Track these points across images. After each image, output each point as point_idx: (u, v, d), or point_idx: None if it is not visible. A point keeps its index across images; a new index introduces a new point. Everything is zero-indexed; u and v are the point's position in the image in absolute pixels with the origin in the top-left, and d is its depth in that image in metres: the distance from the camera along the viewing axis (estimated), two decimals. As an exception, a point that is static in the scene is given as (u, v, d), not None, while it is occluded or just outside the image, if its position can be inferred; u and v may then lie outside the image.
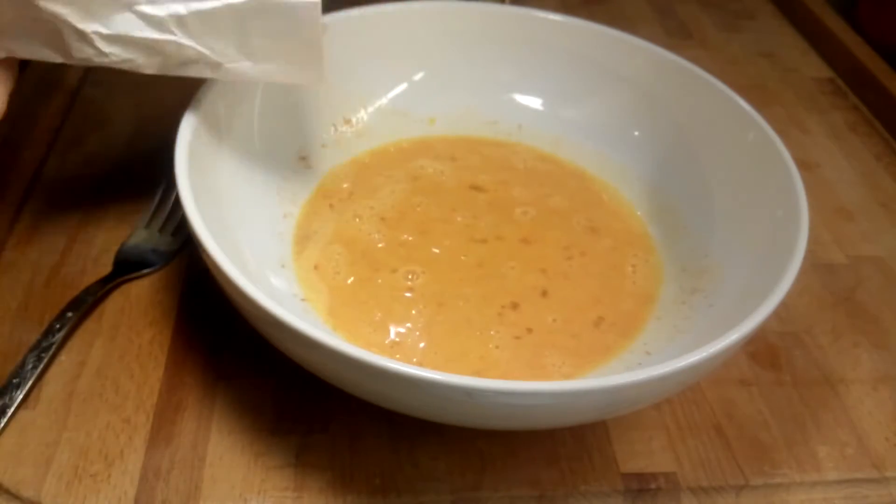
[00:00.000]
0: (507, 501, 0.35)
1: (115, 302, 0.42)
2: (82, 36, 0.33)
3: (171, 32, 0.34)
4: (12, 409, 0.36)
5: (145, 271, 0.43)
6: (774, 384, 0.41)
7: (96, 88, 0.55)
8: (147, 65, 0.35)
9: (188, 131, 0.37)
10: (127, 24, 0.33)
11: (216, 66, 0.35)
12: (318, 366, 0.32)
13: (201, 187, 0.36)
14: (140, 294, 0.42)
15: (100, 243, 0.45)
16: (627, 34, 0.48)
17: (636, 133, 0.48)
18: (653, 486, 0.36)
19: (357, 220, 0.44)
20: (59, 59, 0.34)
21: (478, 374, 0.37)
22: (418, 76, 0.50)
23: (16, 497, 0.34)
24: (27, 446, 0.35)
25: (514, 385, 0.29)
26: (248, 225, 0.40)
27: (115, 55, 0.34)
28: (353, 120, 0.49)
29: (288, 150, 0.46)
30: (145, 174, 0.48)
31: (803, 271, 0.34)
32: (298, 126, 0.46)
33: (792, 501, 0.36)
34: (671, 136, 0.46)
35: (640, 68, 0.47)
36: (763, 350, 0.42)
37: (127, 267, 0.43)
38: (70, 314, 0.39)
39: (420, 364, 0.37)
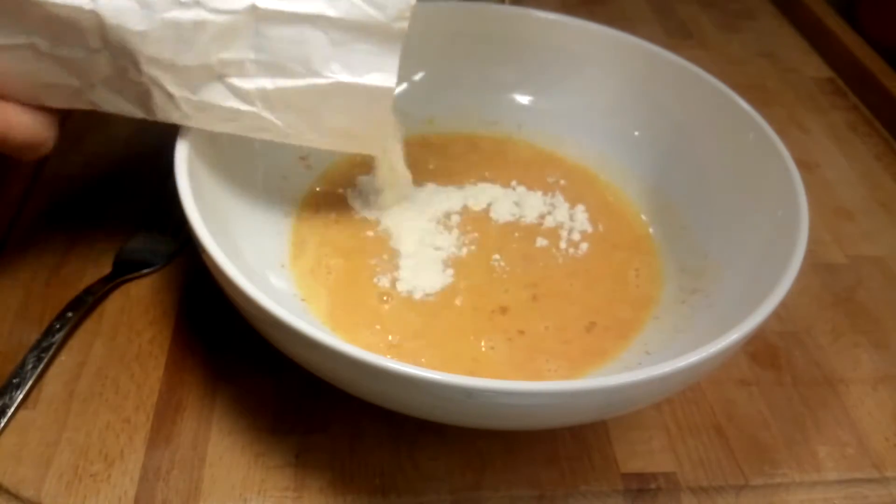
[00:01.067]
0: (507, 501, 0.35)
1: (115, 302, 0.42)
2: (170, 99, 0.34)
3: (254, 105, 0.35)
4: (12, 409, 0.36)
5: (145, 271, 0.43)
6: (774, 384, 0.41)
7: (96, 88, 0.55)
8: (223, 127, 0.36)
9: (188, 132, 0.37)
10: (215, 94, 0.35)
11: (286, 135, 0.37)
12: (318, 366, 0.32)
13: (201, 187, 0.36)
14: (140, 294, 0.42)
15: (100, 243, 0.45)
16: (627, 34, 0.48)
17: (636, 133, 0.48)
18: (653, 486, 0.36)
19: (359, 219, 0.44)
20: (139, 116, 0.36)
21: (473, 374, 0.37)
22: (418, 76, 0.50)
23: (16, 497, 0.34)
24: (27, 446, 0.35)
25: (514, 385, 0.29)
26: (247, 225, 0.40)
27: (196, 119, 0.36)
28: (353, 120, 0.49)
29: (288, 150, 0.45)
30: (145, 174, 0.48)
31: (803, 271, 0.34)
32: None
33: (792, 501, 0.36)
34: (671, 136, 0.46)
35: (640, 68, 0.47)
36: (763, 350, 0.42)
37: (127, 267, 0.43)
38: (70, 314, 0.39)
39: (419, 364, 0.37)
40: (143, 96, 0.35)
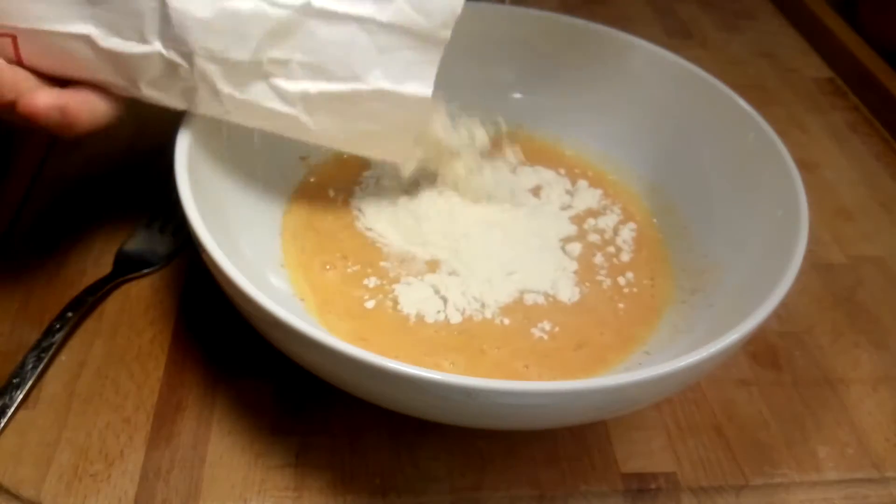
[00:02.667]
0: (507, 501, 0.35)
1: (115, 302, 0.42)
2: (216, 94, 0.35)
3: (294, 107, 0.36)
4: (12, 409, 0.36)
5: (145, 271, 0.43)
6: (774, 384, 0.41)
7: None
8: (257, 123, 0.37)
9: (188, 131, 0.37)
10: (259, 94, 0.35)
11: (316, 137, 0.37)
12: (318, 366, 0.32)
13: (201, 187, 0.36)
14: (140, 294, 0.42)
15: (100, 243, 0.45)
16: (627, 34, 0.48)
17: (636, 133, 0.48)
18: (653, 486, 0.36)
19: (356, 220, 0.44)
20: (182, 108, 0.37)
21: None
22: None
23: (16, 497, 0.34)
24: (27, 446, 0.35)
25: (514, 385, 0.29)
26: (247, 225, 0.40)
27: (236, 114, 0.36)
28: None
29: (288, 149, 0.45)
30: (146, 174, 0.48)
31: (803, 271, 0.34)
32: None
33: (792, 501, 0.36)
34: (671, 137, 0.46)
35: (639, 68, 0.47)
36: (763, 350, 0.42)
37: (127, 267, 0.43)
38: (70, 314, 0.39)
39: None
40: (188, 92, 0.35)
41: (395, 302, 0.39)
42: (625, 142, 0.48)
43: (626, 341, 0.39)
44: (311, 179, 0.46)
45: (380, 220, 0.44)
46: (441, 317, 0.39)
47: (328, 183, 0.46)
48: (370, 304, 0.39)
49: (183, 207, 0.34)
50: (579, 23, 0.49)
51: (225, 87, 0.35)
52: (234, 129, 0.41)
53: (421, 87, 0.35)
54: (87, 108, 0.34)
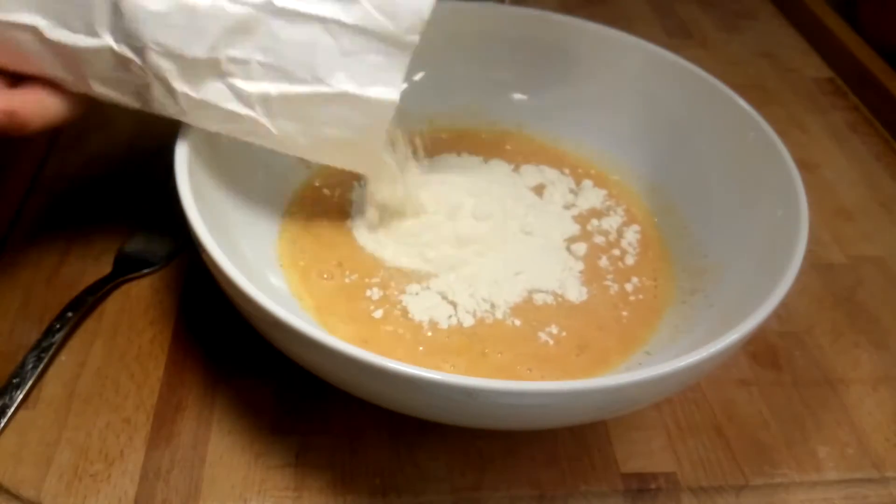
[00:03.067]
0: (507, 501, 0.35)
1: (115, 302, 0.42)
2: (171, 93, 0.34)
3: (253, 109, 0.35)
4: (12, 409, 0.36)
5: (145, 271, 0.43)
6: (774, 384, 0.41)
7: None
8: (217, 126, 0.36)
9: (189, 131, 0.37)
10: (216, 94, 0.34)
11: (280, 143, 0.36)
12: (318, 366, 0.32)
13: (201, 188, 0.36)
14: (140, 294, 0.42)
15: (100, 243, 0.45)
16: (627, 34, 0.48)
17: (636, 133, 0.48)
18: (653, 486, 0.36)
19: (356, 220, 0.44)
20: (135, 107, 0.35)
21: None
22: (418, 76, 0.50)
23: (16, 497, 0.34)
24: (27, 446, 0.35)
25: (514, 385, 0.29)
26: (247, 225, 0.40)
27: (191, 114, 0.35)
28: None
29: (288, 150, 0.46)
30: (146, 174, 0.48)
31: (803, 271, 0.34)
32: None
33: (792, 501, 0.36)
34: (671, 137, 0.46)
35: (640, 68, 0.47)
36: (763, 350, 0.42)
37: (127, 267, 0.43)
38: (70, 314, 0.39)
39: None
40: (142, 90, 0.34)
41: (405, 311, 0.39)
42: (624, 142, 0.48)
43: (628, 342, 0.39)
44: (312, 179, 0.46)
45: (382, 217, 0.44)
46: (454, 321, 0.39)
47: (329, 183, 0.46)
48: (378, 314, 0.39)
49: (183, 207, 0.34)
50: (579, 23, 0.49)
51: (180, 86, 0.34)
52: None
53: (387, 91, 0.34)
54: (38, 109, 0.33)
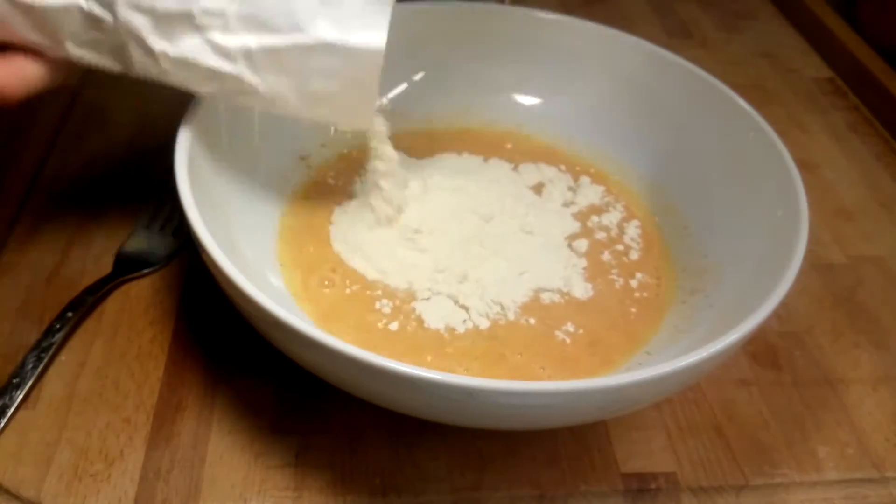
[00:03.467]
0: (507, 501, 0.35)
1: (115, 302, 0.42)
2: (149, 52, 0.33)
3: (235, 64, 0.34)
4: (12, 409, 0.36)
5: (145, 271, 0.43)
6: (774, 384, 0.41)
7: (97, 89, 0.55)
8: (205, 88, 0.35)
9: (189, 131, 0.37)
10: (195, 50, 0.33)
11: (269, 101, 0.36)
12: (318, 366, 0.32)
13: (201, 187, 0.36)
14: (140, 294, 0.42)
15: (100, 243, 0.45)
16: (627, 34, 0.48)
17: (636, 133, 0.48)
18: (653, 486, 0.36)
19: (355, 219, 0.44)
20: (116, 69, 0.35)
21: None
22: (418, 76, 0.50)
23: (16, 497, 0.34)
24: (27, 446, 0.35)
25: (514, 385, 0.29)
26: (247, 225, 0.40)
27: (175, 75, 0.34)
28: (353, 120, 0.49)
29: (288, 150, 0.45)
30: (146, 174, 0.48)
31: (803, 271, 0.34)
32: (298, 126, 0.46)
33: (792, 501, 0.36)
34: (671, 136, 0.46)
35: (640, 68, 0.47)
36: (763, 350, 0.42)
37: (127, 267, 0.43)
38: (70, 314, 0.39)
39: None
40: (119, 51, 0.34)
41: (421, 321, 0.39)
42: (624, 142, 0.48)
43: (632, 342, 0.39)
44: (312, 179, 0.46)
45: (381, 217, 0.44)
46: (470, 325, 0.39)
47: (328, 182, 0.46)
48: (394, 326, 0.39)
49: (183, 207, 0.34)
50: (579, 23, 0.49)
51: (156, 43, 0.33)
52: (234, 129, 0.41)
53: (372, 37, 0.33)
54: (17, 77, 0.33)
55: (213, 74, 0.34)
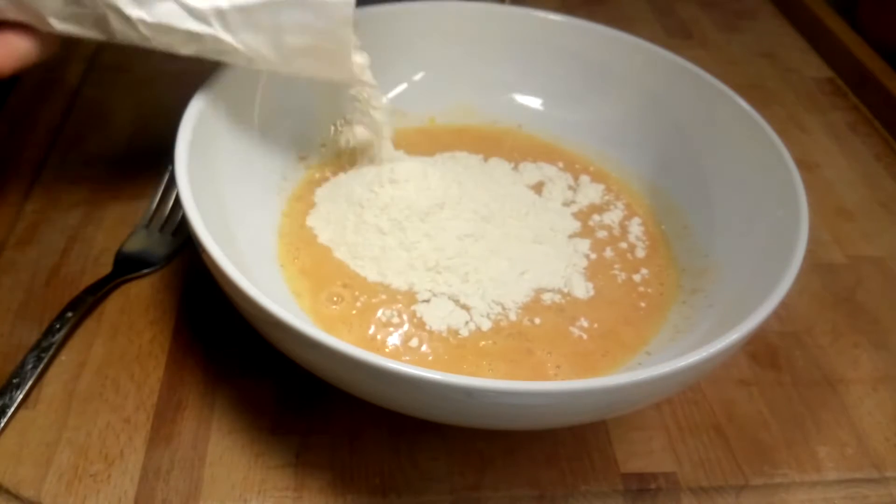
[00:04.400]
0: (507, 501, 0.35)
1: (115, 302, 0.42)
2: (127, 21, 0.34)
3: (211, 25, 0.35)
4: (12, 409, 0.36)
5: (145, 271, 0.43)
6: (774, 384, 0.41)
7: (96, 88, 0.55)
8: (186, 49, 0.36)
9: (188, 131, 0.37)
10: (170, 15, 0.35)
11: (249, 59, 0.37)
12: (318, 366, 0.32)
13: (201, 187, 0.36)
14: (140, 294, 0.42)
15: (100, 243, 0.45)
16: (627, 34, 0.48)
17: (636, 133, 0.48)
18: (653, 486, 0.36)
19: (355, 219, 0.44)
20: (103, 39, 0.36)
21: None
22: (418, 76, 0.50)
23: (16, 497, 0.34)
24: (27, 446, 0.35)
25: (514, 385, 0.29)
26: (247, 225, 0.40)
27: (156, 40, 0.36)
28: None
29: (288, 150, 0.46)
30: (145, 174, 0.48)
31: (803, 271, 0.34)
32: (298, 126, 0.46)
33: (792, 501, 0.36)
34: (671, 137, 0.47)
35: (640, 68, 0.47)
36: (763, 350, 0.42)
37: (127, 267, 0.43)
38: (70, 314, 0.39)
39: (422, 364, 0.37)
40: (100, 21, 0.35)
41: (422, 323, 0.39)
42: (624, 142, 0.48)
43: (636, 341, 0.39)
44: (310, 179, 0.46)
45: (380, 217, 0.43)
46: (472, 326, 0.39)
47: (327, 182, 0.46)
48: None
49: (183, 207, 0.34)
50: (579, 23, 0.49)
51: (133, 12, 0.34)
52: (234, 129, 0.41)
53: None
54: (8, 52, 0.34)
55: (192, 36, 0.35)
